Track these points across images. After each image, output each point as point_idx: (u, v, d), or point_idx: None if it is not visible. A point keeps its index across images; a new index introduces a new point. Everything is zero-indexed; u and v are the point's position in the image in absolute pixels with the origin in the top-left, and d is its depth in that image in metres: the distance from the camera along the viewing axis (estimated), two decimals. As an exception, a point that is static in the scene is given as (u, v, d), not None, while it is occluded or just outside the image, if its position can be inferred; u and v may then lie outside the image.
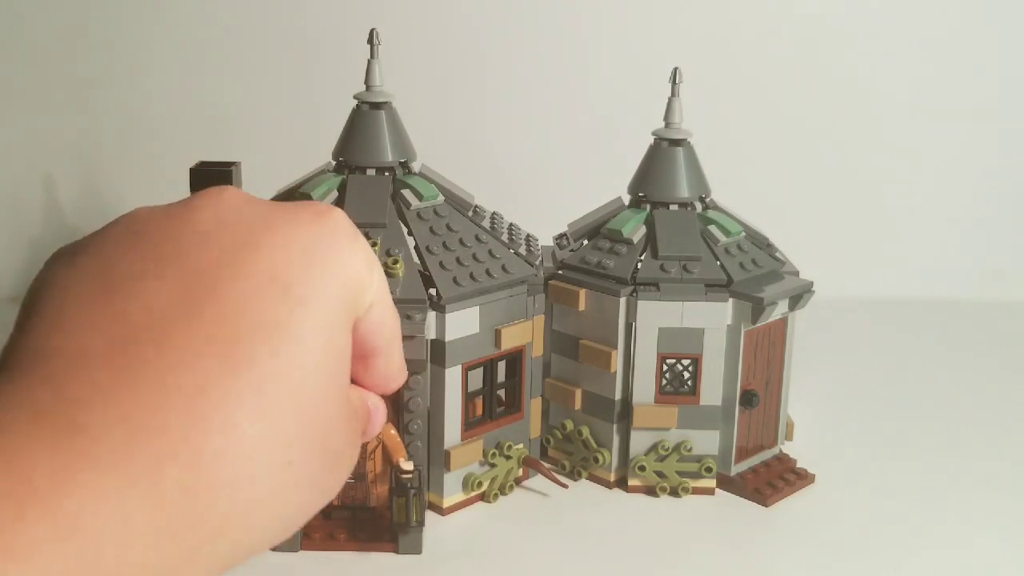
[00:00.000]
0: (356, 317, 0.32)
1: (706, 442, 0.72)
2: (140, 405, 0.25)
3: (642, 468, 0.72)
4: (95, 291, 0.28)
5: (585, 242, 0.77)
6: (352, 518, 0.65)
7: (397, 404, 0.65)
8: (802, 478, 0.73)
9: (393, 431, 0.63)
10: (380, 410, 0.36)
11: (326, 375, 0.29)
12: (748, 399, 0.72)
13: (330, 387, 0.29)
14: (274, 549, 0.64)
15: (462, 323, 0.66)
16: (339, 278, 0.30)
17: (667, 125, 0.75)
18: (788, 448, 0.77)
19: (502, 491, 0.71)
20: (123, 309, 0.27)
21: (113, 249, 0.30)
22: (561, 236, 0.80)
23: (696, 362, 0.71)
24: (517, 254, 0.71)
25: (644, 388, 0.71)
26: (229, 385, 0.26)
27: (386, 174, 0.71)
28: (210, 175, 0.80)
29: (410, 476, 0.62)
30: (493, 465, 0.70)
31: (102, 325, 0.27)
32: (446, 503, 0.69)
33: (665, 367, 0.71)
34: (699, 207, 0.75)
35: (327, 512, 0.65)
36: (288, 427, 0.27)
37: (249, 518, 0.27)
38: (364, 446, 0.62)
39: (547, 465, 0.74)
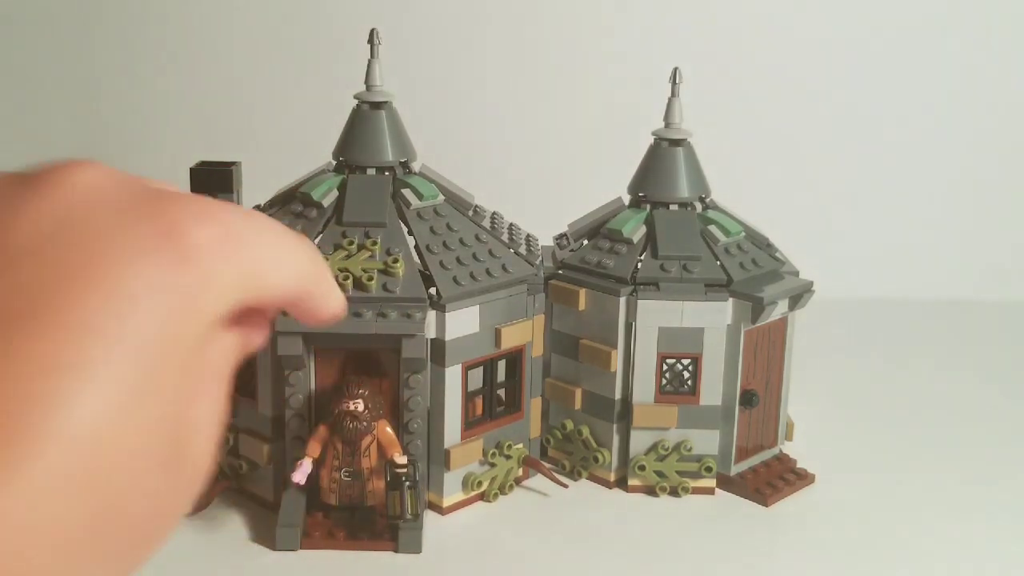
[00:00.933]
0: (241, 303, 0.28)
1: (706, 442, 0.72)
2: None
3: (642, 468, 0.72)
4: None
5: (585, 242, 0.77)
6: (352, 517, 0.65)
7: (397, 403, 0.65)
8: (802, 478, 0.73)
9: (389, 429, 0.63)
10: (256, 336, 0.32)
11: (128, 434, 0.24)
12: (748, 399, 0.72)
13: (135, 443, 0.24)
14: (274, 548, 0.64)
15: (462, 322, 0.66)
16: (177, 320, 0.25)
17: (667, 125, 0.75)
18: (788, 448, 0.77)
19: (502, 491, 0.71)
20: None
21: None
22: (561, 236, 0.80)
23: (696, 362, 0.71)
24: (517, 254, 0.71)
25: (644, 388, 0.71)
26: (3, 471, 0.22)
27: (386, 174, 0.71)
28: (211, 175, 0.80)
29: (404, 470, 0.62)
30: (493, 465, 0.70)
31: None
32: (446, 502, 0.69)
33: (665, 367, 0.71)
34: (699, 207, 0.75)
35: (327, 512, 0.65)
36: (70, 521, 0.23)
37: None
38: (359, 443, 0.62)
39: (547, 465, 0.74)
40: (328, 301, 0.33)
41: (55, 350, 0.23)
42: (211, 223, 0.27)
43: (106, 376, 0.24)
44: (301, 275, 0.32)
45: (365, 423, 0.61)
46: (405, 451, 0.64)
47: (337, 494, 0.64)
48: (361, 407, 0.61)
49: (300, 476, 0.61)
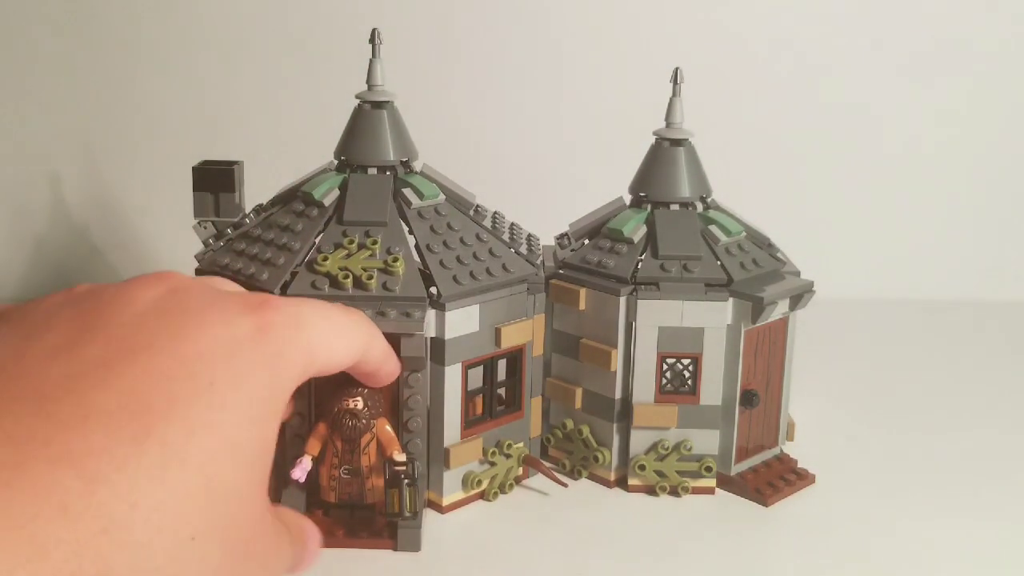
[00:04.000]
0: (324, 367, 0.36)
1: (706, 442, 0.72)
2: (35, 457, 0.26)
3: (642, 467, 0.72)
4: (16, 349, 0.30)
5: (586, 241, 0.77)
6: (351, 516, 0.65)
7: (396, 402, 0.65)
8: (803, 478, 0.74)
9: (388, 427, 0.63)
10: (314, 536, 0.39)
11: (240, 463, 0.29)
12: (748, 399, 0.72)
13: (244, 476, 0.30)
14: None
15: (462, 321, 0.67)
16: (264, 374, 0.32)
17: (668, 125, 0.75)
18: (789, 448, 0.77)
19: (502, 490, 0.72)
20: (44, 369, 0.28)
21: (45, 315, 0.32)
22: (562, 236, 0.80)
23: (696, 362, 0.71)
24: (518, 253, 0.72)
25: (644, 387, 0.71)
26: (133, 450, 0.27)
27: (387, 173, 0.71)
28: (212, 174, 0.80)
29: (403, 468, 0.62)
30: (493, 464, 0.71)
31: (17, 379, 0.28)
32: (445, 501, 0.69)
33: (665, 366, 0.71)
34: (700, 207, 0.75)
35: (326, 510, 0.65)
36: (192, 502, 0.27)
37: None
38: (358, 441, 0.63)
39: (547, 464, 0.74)
40: (387, 367, 0.43)
41: (173, 367, 0.29)
42: (280, 309, 0.34)
43: (210, 389, 0.30)
44: (356, 348, 0.40)
45: (364, 421, 0.61)
46: (404, 449, 0.64)
47: (336, 492, 0.64)
48: (360, 405, 0.61)
49: (300, 473, 0.61)
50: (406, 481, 0.61)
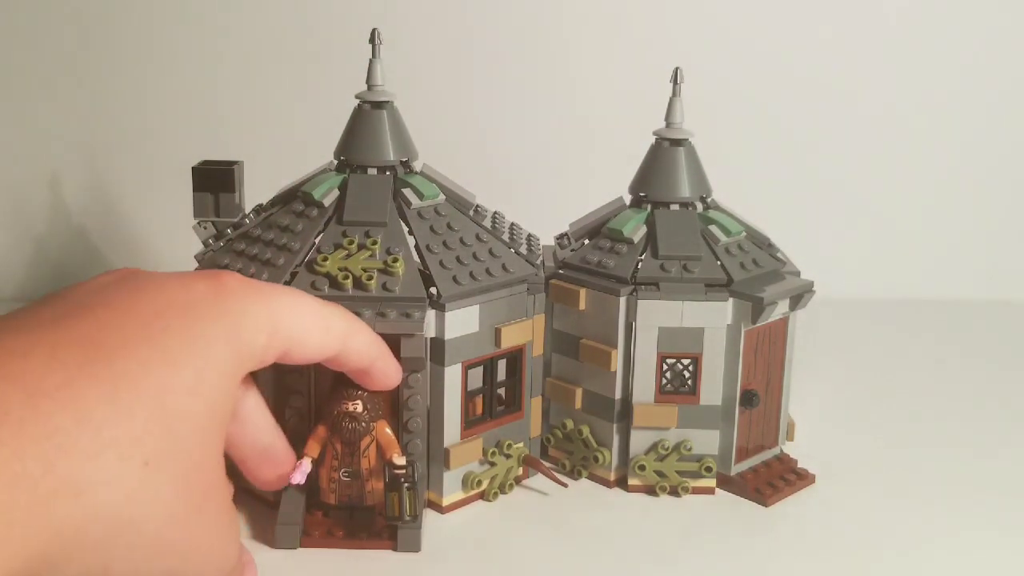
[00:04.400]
0: (280, 353, 0.38)
1: (706, 442, 0.72)
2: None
3: (642, 467, 0.72)
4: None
5: (586, 241, 0.77)
6: (351, 516, 0.65)
7: (396, 402, 0.65)
8: (803, 478, 0.74)
9: (388, 429, 0.63)
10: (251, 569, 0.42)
11: (201, 405, 0.31)
12: (748, 399, 0.72)
13: (204, 419, 0.32)
14: (273, 546, 0.64)
15: (462, 322, 0.67)
16: (222, 327, 0.35)
17: (668, 125, 0.75)
18: (789, 448, 0.77)
19: (502, 490, 0.72)
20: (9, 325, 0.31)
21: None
22: (562, 236, 0.80)
23: (696, 362, 0.71)
24: (518, 253, 0.72)
25: (644, 387, 0.71)
26: (78, 372, 0.29)
27: (387, 173, 0.71)
28: (212, 174, 0.80)
29: (403, 471, 0.62)
30: (493, 464, 0.71)
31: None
32: (445, 501, 0.69)
33: (665, 366, 0.71)
34: (700, 207, 0.75)
35: (326, 511, 0.65)
36: (146, 425, 0.29)
37: (106, 527, 0.28)
38: (358, 444, 0.63)
39: (547, 464, 0.74)
40: (380, 366, 0.44)
41: (127, 328, 0.32)
42: (239, 278, 0.37)
43: (164, 334, 0.32)
44: (334, 335, 0.40)
45: (364, 424, 0.61)
46: (404, 451, 0.64)
47: (336, 493, 0.64)
48: (360, 408, 0.61)
49: (299, 476, 0.61)
50: (406, 484, 0.61)
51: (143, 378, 0.30)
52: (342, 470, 0.63)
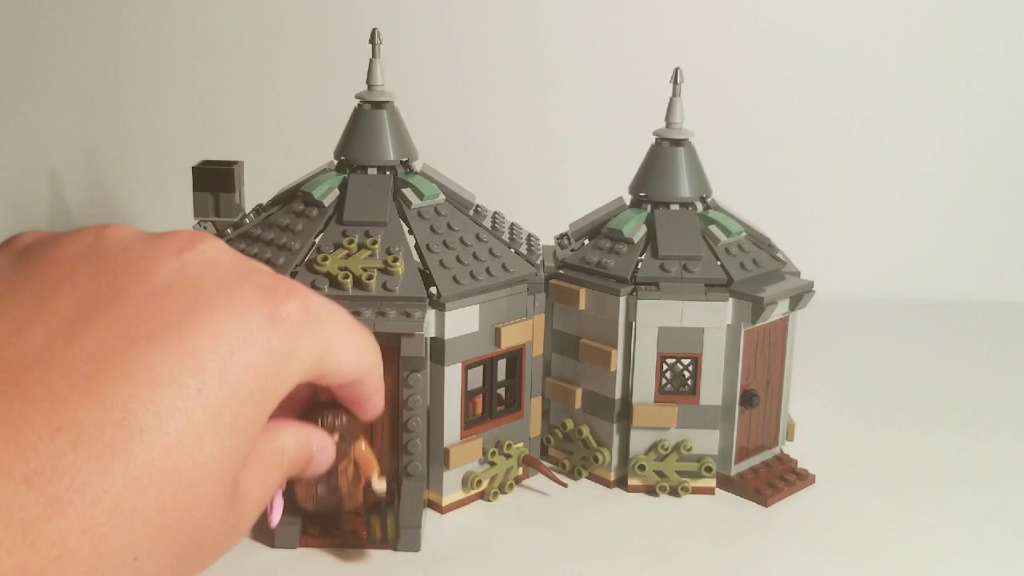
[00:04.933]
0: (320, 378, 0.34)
1: (706, 442, 0.72)
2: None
3: (642, 467, 0.72)
4: (27, 309, 0.28)
5: (586, 241, 0.77)
6: (351, 515, 0.65)
7: (396, 402, 0.65)
8: (802, 478, 0.73)
9: (365, 447, 0.62)
10: (327, 450, 0.37)
11: (205, 455, 0.29)
12: (748, 399, 0.72)
13: (209, 467, 0.29)
14: (272, 545, 0.64)
15: (462, 321, 0.67)
16: (264, 371, 0.31)
17: (668, 125, 0.75)
18: (789, 448, 0.77)
19: (502, 490, 0.72)
20: (41, 339, 0.27)
21: (63, 270, 0.30)
22: (562, 236, 0.80)
23: (696, 362, 0.71)
24: (518, 253, 0.72)
25: (644, 387, 0.71)
26: (77, 456, 0.26)
27: (387, 173, 0.71)
28: (213, 174, 0.80)
29: (383, 496, 0.61)
30: (493, 464, 0.71)
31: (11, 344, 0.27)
32: (445, 501, 0.69)
33: (665, 366, 0.71)
34: (700, 207, 0.75)
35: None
36: (142, 517, 0.27)
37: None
38: (335, 464, 0.61)
39: (547, 464, 0.74)
40: (377, 398, 0.39)
41: (163, 366, 0.28)
42: (296, 297, 0.32)
43: (196, 397, 0.28)
44: (364, 365, 0.37)
45: (342, 447, 0.60)
46: (385, 471, 0.63)
47: (313, 504, 0.63)
48: (336, 437, 0.59)
49: (276, 516, 0.60)
50: (387, 509, 0.61)
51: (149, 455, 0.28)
52: (318, 486, 0.62)
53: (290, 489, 0.63)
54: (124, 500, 0.26)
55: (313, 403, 0.50)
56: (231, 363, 0.29)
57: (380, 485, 0.60)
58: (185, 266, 0.31)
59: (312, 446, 0.36)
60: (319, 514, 0.64)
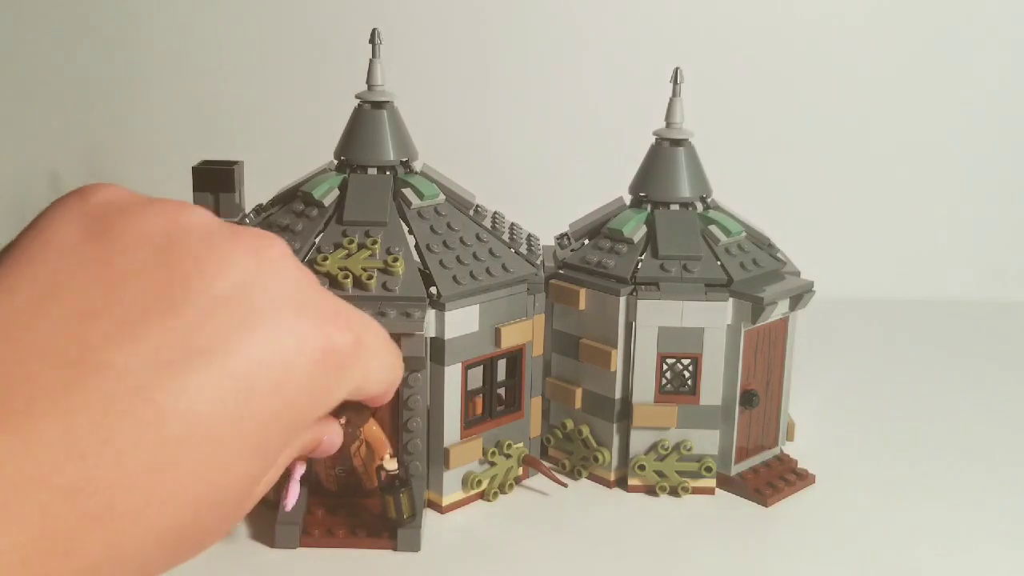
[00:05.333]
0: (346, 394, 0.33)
1: (706, 442, 0.72)
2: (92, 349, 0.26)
3: (642, 467, 0.72)
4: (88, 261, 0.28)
5: (586, 241, 0.77)
6: (351, 515, 0.65)
7: (396, 402, 0.65)
8: (803, 478, 0.73)
9: (376, 428, 0.62)
10: (334, 436, 0.37)
11: (230, 479, 0.28)
12: (748, 399, 0.72)
13: (231, 491, 0.29)
14: (272, 545, 0.64)
15: (462, 321, 0.67)
16: (305, 404, 0.31)
17: (668, 125, 0.75)
18: (789, 448, 0.77)
19: (502, 490, 0.72)
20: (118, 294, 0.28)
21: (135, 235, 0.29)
22: (562, 236, 0.80)
23: (696, 362, 0.71)
24: (518, 253, 0.72)
25: (644, 387, 0.71)
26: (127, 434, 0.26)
27: (387, 173, 0.71)
28: (213, 174, 0.80)
29: (395, 474, 0.61)
30: (493, 464, 0.71)
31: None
32: (445, 501, 0.69)
33: (665, 366, 0.71)
34: (700, 207, 0.75)
35: (327, 509, 0.65)
36: (166, 535, 0.27)
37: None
38: (347, 450, 0.62)
39: (547, 464, 0.74)
40: (384, 397, 0.39)
41: (210, 384, 0.27)
42: (351, 331, 0.32)
43: (236, 421, 0.28)
44: (394, 380, 0.37)
45: (350, 431, 0.60)
46: (397, 450, 0.64)
47: (335, 486, 0.64)
48: (343, 421, 0.60)
49: (292, 499, 0.60)
50: (400, 488, 0.61)
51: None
52: (337, 468, 0.63)
53: (312, 476, 0.64)
54: (149, 520, 0.26)
55: None
56: (275, 391, 0.29)
57: (392, 464, 0.61)
58: (252, 275, 0.30)
59: (320, 432, 0.36)
60: (343, 494, 0.65)
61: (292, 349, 0.29)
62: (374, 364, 0.34)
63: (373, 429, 0.62)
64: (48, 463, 0.24)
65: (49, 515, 0.24)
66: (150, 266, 0.28)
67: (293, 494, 0.56)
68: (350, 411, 0.56)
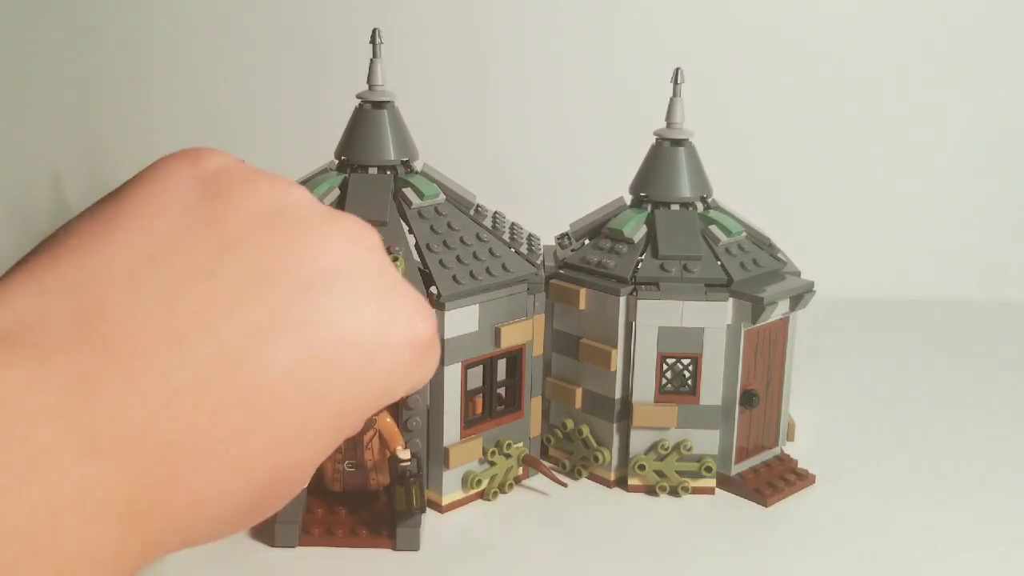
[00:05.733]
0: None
1: (706, 442, 0.72)
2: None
3: (642, 467, 0.72)
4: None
5: (586, 241, 0.77)
6: (351, 514, 0.65)
7: (396, 402, 0.65)
8: (803, 478, 0.74)
9: (389, 419, 0.63)
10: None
11: (302, 455, 0.29)
12: (748, 399, 0.72)
13: (303, 467, 0.29)
14: (272, 544, 0.64)
15: (462, 321, 0.67)
16: (370, 394, 0.31)
17: (669, 125, 0.75)
18: (790, 448, 0.77)
19: (501, 489, 0.72)
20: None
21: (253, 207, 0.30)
22: (563, 235, 0.80)
23: (696, 362, 0.71)
24: (518, 253, 0.72)
25: (644, 387, 0.71)
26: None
27: (388, 173, 0.71)
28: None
29: (408, 464, 0.61)
30: (493, 463, 0.71)
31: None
32: (445, 501, 0.69)
33: (665, 366, 0.71)
34: (700, 207, 0.75)
35: (327, 508, 0.65)
36: (232, 511, 0.27)
37: (277, 436, 0.28)
38: (360, 437, 0.62)
39: (547, 464, 0.74)
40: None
41: (295, 362, 0.28)
42: (432, 324, 0.32)
43: (318, 403, 0.28)
44: (424, 383, 0.37)
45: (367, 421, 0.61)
46: (407, 444, 0.64)
47: (341, 483, 0.64)
48: None
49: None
50: (412, 478, 0.61)
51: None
52: (346, 462, 0.63)
53: (316, 473, 0.64)
54: (232, 483, 0.27)
55: None
56: (358, 374, 0.29)
57: (405, 454, 0.61)
58: (347, 260, 0.30)
59: None
60: (347, 494, 0.65)
61: (379, 335, 0.30)
62: (432, 366, 0.34)
63: (387, 421, 0.62)
64: (147, 419, 0.25)
65: (145, 471, 0.24)
66: (257, 237, 0.29)
67: None
68: None
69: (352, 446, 0.62)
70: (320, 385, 0.28)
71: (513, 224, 0.78)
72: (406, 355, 0.31)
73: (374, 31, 0.71)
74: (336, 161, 0.73)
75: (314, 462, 0.30)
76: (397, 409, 0.65)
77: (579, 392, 0.74)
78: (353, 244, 0.31)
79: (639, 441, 0.72)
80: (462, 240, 0.69)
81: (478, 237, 0.70)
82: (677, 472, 0.72)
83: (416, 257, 0.67)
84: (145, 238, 0.28)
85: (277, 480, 0.28)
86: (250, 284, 0.28)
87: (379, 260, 0.31)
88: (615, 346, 0.71)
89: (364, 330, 0.29)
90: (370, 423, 0.62)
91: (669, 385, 0.72)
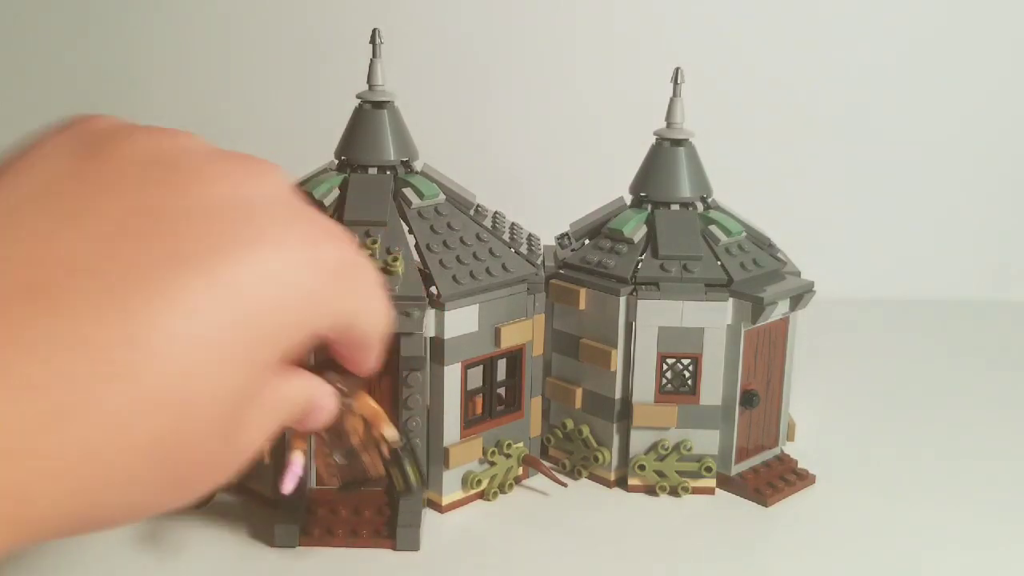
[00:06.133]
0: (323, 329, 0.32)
1: (706, 442, 0.72)
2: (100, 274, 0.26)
3: (642, 467, 0.72)
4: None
5: (586, 241, 0.77)
6: (351, 515, 0.65)
7: (395, 402, 0.65)
8: (803, 479, 0.73)
9: (371, 401, 0.61)
10: (327, 403, 0.37)
11: (214, 388, 0.28)
12: (748, 399, 0.72)
13: (215, 401, 0.28)
14: (272, 545, 0.64)
15: (461, 321, 0.67)
16: (296, 318, 0.30)
17: (669, 125, 0.75)
18: (789, 448, 0.77)
19: (501, 489, 0.72)
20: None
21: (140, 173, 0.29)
22: (563, 236, 0.80)
23: (696, 362, 0.71)
24: (518, 253, 0.72)
25: (644, 387, 0.71)
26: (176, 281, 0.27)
27: (388, 173, 0.71)
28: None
29: (397, 443, 0.61)
30: (492, 463, 0.71)
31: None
32: (445, 501, 0.69)
33: (665, 366, 0.71)
34: (700, 207, 0.75)
35: (329, 507, 0.65)
36: (142, 441, 0.27)
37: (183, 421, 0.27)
38: (342, 426, 0.61)
39: (547, 464, 0.74)
40: (376, 355, 0.38)
41: (191, 293, 0.27)
42: (343, 247, 0.31)
43: (216, 329, 0.27)
44: (384, 326, 0.36)
45: (342, 402, 0.59)
46: (393, 421, 0.63)
47: (338, 476, 0.64)
48: (336, 387, 0.59)
49: (292, 480, 0.60)
50: (404, 457, 0.61)
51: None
52: (335, 454, 0.62)
53: (311, 475, 0.63)
54: (126, 422, 0.26)
55: (306, 365, 0.49)
56: (261, 300, 0.28)
57: (392, 433, 0.60)
58: (243, 190, 0.30)
59: (314, 396, 0.35)
60: (347, 489, 0.64)
61: (280, 261, 0.29)
62: (363, 294, 0.33)
63: (368, 403, 0.61)
64: (17, 364, 0.24)
65: (10, 415, 0.24)
66: (137, 183, 0.28)
67: (291, 477, 0.55)
68: (340, 377, 0.55)
69: (336, 436, 0.61)
70: (222, 314, 0.27)
71: (513, 224, 0.78)
72: (314, 276, 0.30)
73: (374, 31, 0.71)
74: (336, 161, 0.73)
75: (229, 399, 0.29)
76: (396, 409, 0.65)
77: (579, 392, 0.74)
78: (250, 172, 0.30)
79: (639, 441, 0.72)
80: (462, 240, 0.69)
81: (478, 237, 0.70)
82: (677, 472, 0.72)
83: (416, 257, 0.67)
84: (22, 189, 0.28)
85: (186, 420, 0.27)
86: (138, 222, 0.27)
87: (282, 187, 0.31)
88: (615, 346, 0.71)
89: (267, 254, 0.29)
90: (347, 407, 0.60)
91: (669, 385, 0.72)
